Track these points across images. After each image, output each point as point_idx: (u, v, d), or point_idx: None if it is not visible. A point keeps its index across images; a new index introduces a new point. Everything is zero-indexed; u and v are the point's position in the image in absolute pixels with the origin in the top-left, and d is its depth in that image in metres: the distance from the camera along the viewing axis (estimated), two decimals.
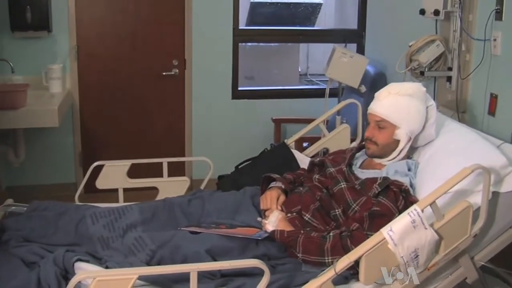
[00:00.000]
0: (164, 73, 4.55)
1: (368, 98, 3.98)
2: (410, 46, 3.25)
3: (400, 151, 2.39)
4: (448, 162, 2.25)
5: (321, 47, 6.59)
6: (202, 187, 2.90)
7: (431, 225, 1.93)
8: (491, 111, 2.96)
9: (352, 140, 3.10)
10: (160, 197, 2.84)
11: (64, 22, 4.22)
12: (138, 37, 4.45)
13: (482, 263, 2.20)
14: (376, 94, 2.43)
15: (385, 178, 2.24)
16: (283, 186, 2.47)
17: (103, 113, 4.50)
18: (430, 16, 3.20)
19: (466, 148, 2.31)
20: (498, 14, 2.86)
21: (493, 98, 2.94)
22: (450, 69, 3.26)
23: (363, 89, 3.87)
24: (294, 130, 4.69)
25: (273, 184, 2.51)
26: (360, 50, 4.80)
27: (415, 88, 2.40)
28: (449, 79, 3.29)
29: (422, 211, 1.89)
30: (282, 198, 2.42)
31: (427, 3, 3.23)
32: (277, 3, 5.55)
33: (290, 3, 5.58)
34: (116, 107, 4.53)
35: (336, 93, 4.16)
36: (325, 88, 3.99)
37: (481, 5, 3.03)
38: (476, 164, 1.99)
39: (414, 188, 2.31)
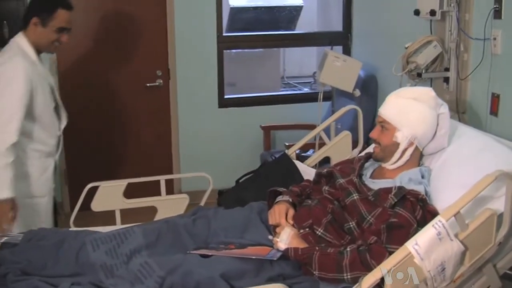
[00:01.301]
0: (148, 85, 4.42)
1: (360, 101, 3.92)
2: (406, 48, 3.18)
3: (402, 155, 2.30)
4: (465, 168, 2.19)
5: (297, 49, 6.52)
6: (202, 203, 2.79)
7: (456, 236, 1.86)
8: (494, 111, 2.91)
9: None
10: (158, 216, 2.72)
11: None
12: (120, 49, 4.32)
13: (505, 271, 2.14)
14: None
15: (400, 188, 2.15)
16: (290, 200, 2.38)
17: (86, 128, 4.35)
18: (426, 16, 3.14)
19: (481, 153, 2.25)
20: (497, 13, 2.81)
21: (495, 98, 2.89)
22: (447, 69, 3.21)
23: (357, 93, 3.79)
24: (284, 137, 4.65)
25: (279, 198, 2.41)
26: (346, 52, 4.74)
27: (421, 92, 2.31)
28: (446, 79, 3.23)
29: (447, 222, 1.82)
30: (291, 212, 2.33)
31: (422, 3, 3.17)
32: (260, 7, 5.46)
33: (274, 7, 5.49)
34: (99, 122, 4.38)
35: (324, 97, 4.07)
36: (311, 93, 3.93)
37: (478, 4, 2.98)
38: (498, 171, 1.93)
39: (429, 196, 2.23)
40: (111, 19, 4.25)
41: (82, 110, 4.29)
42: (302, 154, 3.80)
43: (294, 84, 7.09)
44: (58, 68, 4.16)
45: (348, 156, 2.88)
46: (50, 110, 2.79)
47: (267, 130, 4.53)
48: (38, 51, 2.76)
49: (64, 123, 2.94)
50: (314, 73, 6.60)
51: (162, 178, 2.77)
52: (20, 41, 2.71)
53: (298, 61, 7.17)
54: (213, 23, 4.50)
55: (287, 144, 3.95)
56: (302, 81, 7.07)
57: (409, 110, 2.27)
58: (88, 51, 4.25)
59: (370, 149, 2.76)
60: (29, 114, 2.62)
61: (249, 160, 4.50)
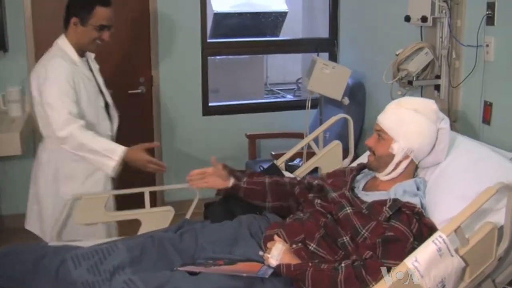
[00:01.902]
0: (130, 92, 4.30)
1: (348, 109, 3.84)
2: (397, 55, 3.12)
3: (396, 167, 2.22)
4: (462, 180, 2.12)
5: (280, 56, 6.46)
6: (187, 216, 2.68)
7: (456, 251, 1.79)
8: (486, 119, 2.85)
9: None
10: (143, 229, 2.60)
11: (21, 41, 3.95)
12: (101, 55, 4.17)
13: (504, 286, 2.07)
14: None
15: (395, 200, 2.08)
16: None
17: None
18: (417, 22, 3.08)
19: (478, 164, 2.18)
20: (490, 19, 2.76)
21: (488, 106, 2.83)
22: (438, 77, 3.14)
23: (346, 101, 3.72)
24: (269, 145, 4.55)
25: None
26: (333, 59, 4.66)
27: (423, 104, 2.23)
28: (437, 87, 3.17)
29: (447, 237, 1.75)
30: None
31: (413, 9, 3.10)
32: (245, 13, 5.37)
33: (259, 13, 5.41)
34: None
35: (307, 105, 3.99)
36: (297, 100, 3.84)
37: (470, 10, 2.92)
38: (499, 183, 1.87)
39: (425, 208, 2.16)
40: None
41: None
42: (289, 163, 3.72)
43: (277, 91, 7.02)
44: None
45: (338, 166, 2.80)
46: (97, 109, 2.82)
47: (253, 138, 4.43)
48: (81, 51, 2.78)
49: (115, 124, 2.98)
50: (298, 80, 6.54)
51: (147, 190, 2.65)
52: (61, 43, 2.73)
53: (281, 67, 7.11)
54: (197, 29, 4.40)
55: (273, 153, 3.85)
56: (285, 88, 7.01)
57: (408, 121, 2.18)
58: None
59: (361, 160, 2.69)
60: None
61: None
